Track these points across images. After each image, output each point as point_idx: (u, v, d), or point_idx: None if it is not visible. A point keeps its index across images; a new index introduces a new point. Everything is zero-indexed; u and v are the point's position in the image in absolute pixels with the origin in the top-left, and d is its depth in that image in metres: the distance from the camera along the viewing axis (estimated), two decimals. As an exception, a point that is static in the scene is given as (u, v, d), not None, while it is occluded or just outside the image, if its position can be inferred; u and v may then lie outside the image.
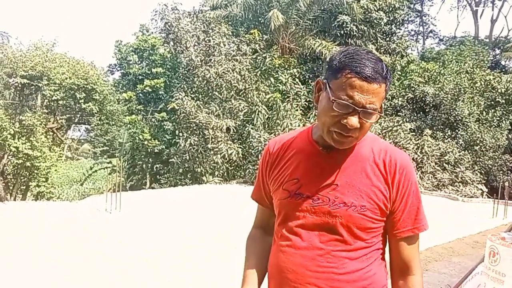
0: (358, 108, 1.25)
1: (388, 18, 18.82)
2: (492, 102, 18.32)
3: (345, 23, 17.66)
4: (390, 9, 18.94)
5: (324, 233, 1.36)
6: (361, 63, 1.26)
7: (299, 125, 14.39)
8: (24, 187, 19.74)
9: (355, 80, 1.25)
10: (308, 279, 1.35)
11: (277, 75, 16.38)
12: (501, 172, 17.21)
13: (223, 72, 15.50)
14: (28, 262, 5.32)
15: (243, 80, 15.68)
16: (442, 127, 17.16)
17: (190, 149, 15.14)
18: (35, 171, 18.56)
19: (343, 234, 1.34)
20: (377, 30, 18.73)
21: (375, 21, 18.25)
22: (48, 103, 21.47)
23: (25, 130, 18.41)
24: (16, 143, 17.65)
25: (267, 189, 1.54)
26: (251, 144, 14.64)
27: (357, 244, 1.36)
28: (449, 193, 13.93)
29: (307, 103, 16.59)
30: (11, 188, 19.53)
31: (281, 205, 1.44)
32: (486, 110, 17.89)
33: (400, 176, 1.37)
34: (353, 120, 1.26)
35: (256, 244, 1.59)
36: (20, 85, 20.04)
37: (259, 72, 16.61)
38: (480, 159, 16.70)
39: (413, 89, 17.99)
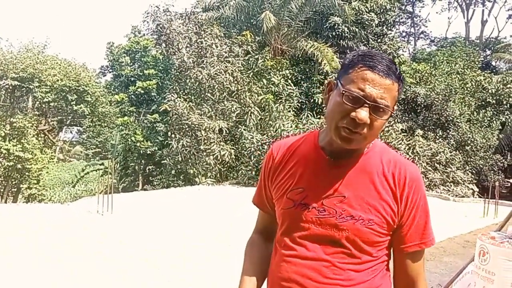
0: (368, 101, 1.21)
1: (379, 20, 18.92)
2: (483, 103, 18.51)
3: (336, 24, 17.74)
4: (381, 10, 19.05)
5: (329, 246, 1.31)
6: (374, 59, 1.23)
7: (291, 126, 14.42)
8: (15, 190, 19.59)
9: (367, 73, 1.22)
10: None
11: (269, 77, 16.40)
12: (492, 171, 17.37)
13: (215, 74, 15.48)
14: (28, 262, 5.29)
15: (236, 82, 15.68)
16: (433, 127, 17.26)
17: (183, 150, 15.10)
18: (27, 173, 18.42)
19: (349, 247, 1.30)
20: (369, 31, 18.83)
21: (366, 22, 18.35)
22: (39, 105, 21.39)
23: (16, 132, 18.29)
24: (7, 145, 17.52)
25: (269, 195, 1.48)
26: (243, 145, 14.66)
27: (363, 258, 1.32)
28: (441, 193, 14.01)
29: (299, 104, 16.65)
30: (2, 190, 19.37)
31: (285, 214, 1.39)
32: (477, 110, 18.06)
33: (409, 190, 1.32)
34: (363, 114, 1.20)
35: (255, 251, 1.54)
36: (10, 87, 19.95)
37: (252, 73, 16.61)
38: (471, 159, 16.83)
39: (405, 90, 18.07)
